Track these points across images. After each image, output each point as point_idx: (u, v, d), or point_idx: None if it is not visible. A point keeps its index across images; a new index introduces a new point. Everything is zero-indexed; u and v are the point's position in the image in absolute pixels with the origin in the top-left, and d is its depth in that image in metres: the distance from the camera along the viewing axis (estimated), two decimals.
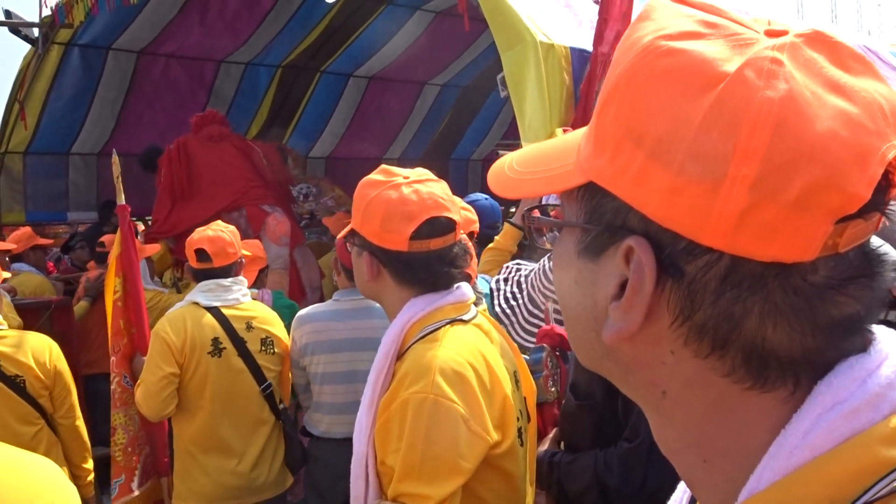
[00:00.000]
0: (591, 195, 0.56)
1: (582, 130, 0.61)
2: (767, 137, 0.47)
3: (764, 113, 0.47)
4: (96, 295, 4.76)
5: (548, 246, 0.70)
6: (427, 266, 1.63)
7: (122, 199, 3.31)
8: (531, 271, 2.83)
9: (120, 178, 3.31)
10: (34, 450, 3.08)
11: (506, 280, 2.95)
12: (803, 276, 0.50)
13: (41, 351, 3.14)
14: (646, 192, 0.51)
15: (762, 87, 0.47)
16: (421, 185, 1.64)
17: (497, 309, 2.78)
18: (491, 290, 2.91)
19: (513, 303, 2.86)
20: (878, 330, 0.54)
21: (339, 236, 1.90)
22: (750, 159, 0.47)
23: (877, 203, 0.49)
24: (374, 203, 1.62)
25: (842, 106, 0.48)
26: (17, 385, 3.08)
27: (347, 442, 1.69)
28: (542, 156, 0.63)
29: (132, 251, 3.30)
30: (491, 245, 3.33)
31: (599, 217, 0.56)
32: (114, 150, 3.43)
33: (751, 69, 0.48)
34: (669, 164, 0.49)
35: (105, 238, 4.99)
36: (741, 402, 0.53)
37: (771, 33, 0.50)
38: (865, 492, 0.47)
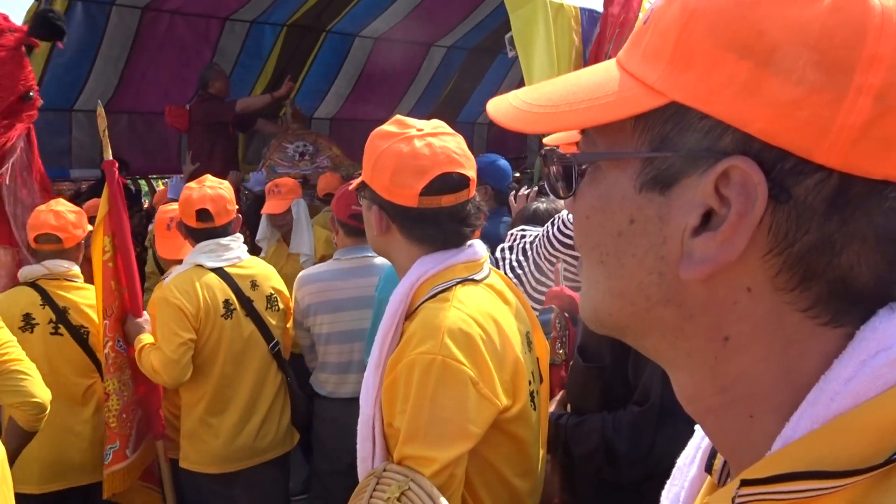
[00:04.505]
0: (658, 120, 0.52)
1: (606, 65, 0.57)
2: (892, 44, 0.45)
3: (887, 19, 0.45)
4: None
5: (561, 195, 0.61)
6: (437, 223, 1.58)
7: (108, 155, 3.16)
8: (535, 237, 2.79)
9: (106, 132, 3.17)
10: (85, 404, 3.13)
11: (510, 248, 2.91)
12: None
13: None
14: (754, 107, 0.47)
15: None
16: (434, 139, 1.58)
17: None
18: (496, 258, 2.88)
19: (519, 271, 2.82)
20: None
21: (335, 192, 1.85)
22: (876, 67, 0.45)
23: None
24: (384, 156, 1.56)
25: None
26: (80, 336, 3.12)
27: (354, 401, 1.67)
28: (569, 88, 0.56)
29: (121, 209, 3.15)
30: None
31: (675, 142, 0.51)
32: (98, 101, 3.26)
33: None
34: (788, 74, 0.46)
35: (88, 204, 4.77)
36: (812, 341, 0.51)
37: None
38: None
